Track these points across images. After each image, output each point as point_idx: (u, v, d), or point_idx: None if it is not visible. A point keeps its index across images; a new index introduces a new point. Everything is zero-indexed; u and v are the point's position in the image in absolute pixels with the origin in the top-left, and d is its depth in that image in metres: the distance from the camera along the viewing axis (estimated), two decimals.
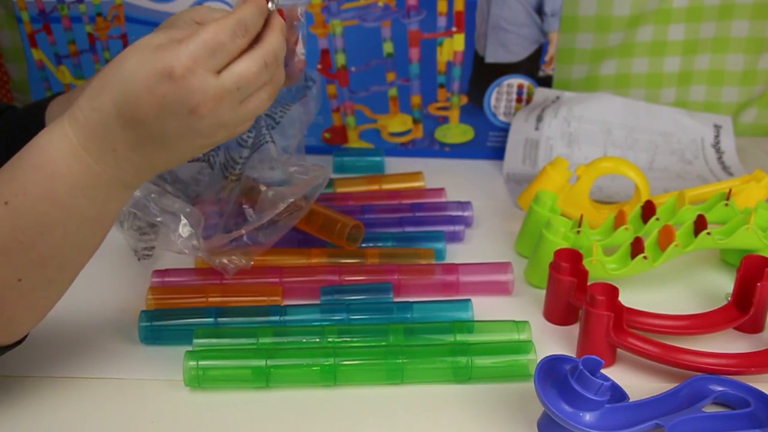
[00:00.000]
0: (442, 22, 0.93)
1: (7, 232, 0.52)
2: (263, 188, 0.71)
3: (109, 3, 0.92)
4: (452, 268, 0.74)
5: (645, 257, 0.71)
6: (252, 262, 0.70)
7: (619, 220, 0.77)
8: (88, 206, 0.54)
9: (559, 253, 0.70)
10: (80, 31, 0.94)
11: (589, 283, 0.66)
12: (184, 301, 0.70)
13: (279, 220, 0.68)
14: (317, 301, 0.71)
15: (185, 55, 0.50)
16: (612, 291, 0.65)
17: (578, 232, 0.75)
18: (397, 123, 0.99)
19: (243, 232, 0.67)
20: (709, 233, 0.73)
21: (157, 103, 0.51)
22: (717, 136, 0.99)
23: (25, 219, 0.52)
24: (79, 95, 0.54)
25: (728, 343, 0.67)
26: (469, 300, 0.70)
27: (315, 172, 0.69)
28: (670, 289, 0.75)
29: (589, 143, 0.96)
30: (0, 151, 0.72)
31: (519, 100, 0.98)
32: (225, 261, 0.68)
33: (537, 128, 0.96)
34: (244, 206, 0.70)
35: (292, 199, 0.67)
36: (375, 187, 0.91)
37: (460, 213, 0.85)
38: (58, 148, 0.52)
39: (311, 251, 0.77)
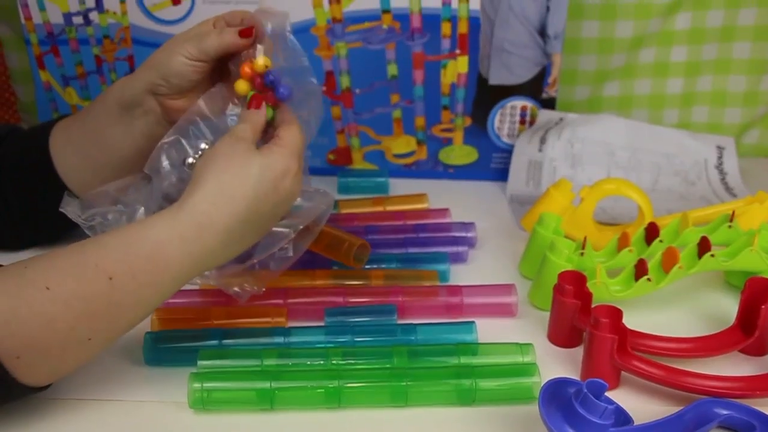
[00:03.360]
0: (446, 44, 0.93)
1: (102, 302, 0.56)
2: None
3: (116, 26, 0.93)
4: (456, 290, 0.74)
5: (649, 279, 0.71)
6: (264, 288, 0.70)
7: (623, 242, 0.77)
8: (180, 286, 0.60)
9: (563, 275, 0.70)
10: (87, 53, 0.95)
11: (593, 306, 0.66)
12: (188, 322, 0.70)
13: (289, 246, 0.69)
14: (322, 323, 0.71)
15: (294, 155, 0.62)
16: (616, 313, 0.64)
17: (582, 254, 0.75)
18: (401, 144, 0.99)
19: (255, 261, 0.67)
20: (712, 255, 0.72)
21: (280, 198, 0.61)
22: (720, 158, 0.99)
23: (124, 297, 0.56)
24: (186, 195, 0.59)
25: (733, 366, 0.67)
26: (473, 322, 0.70)
27: (319, 199, 0.70)
28: (675, 311, 0.75)
29: (593, 164, 0.96)
30: (4, 173, 0.75)
31: (522, 121, 0.98)
32: (237, 289, 0.69)
33: (540, 150, 0.96)
34: None
35: (301, 227, 0.68)
36: (379, 208, 0.91)
37: (463, 234, 0.85)
38: (177, 249, 0.58)
39: (315, 273, 0.77)
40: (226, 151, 0.60)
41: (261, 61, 0.65)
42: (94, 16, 0.93)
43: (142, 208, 0.66)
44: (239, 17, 0.68)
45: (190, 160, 0.67)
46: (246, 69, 0.66)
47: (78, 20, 0.93)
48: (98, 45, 0.94)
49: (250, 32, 0.66)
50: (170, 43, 0.68)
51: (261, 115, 0.65)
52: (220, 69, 0.70)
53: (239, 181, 0.59)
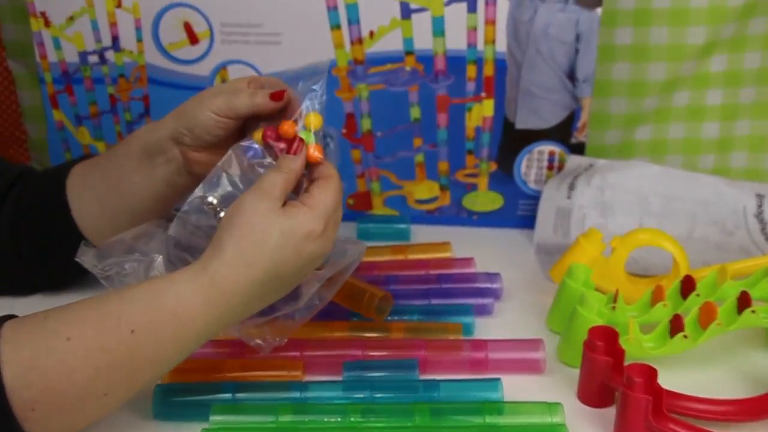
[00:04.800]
0: (471, 87, 0.94)
1: (123, 355, 0.57)
2: None
3: (132, 65, 0.94)
4: (481, 344, 0.74)
5: (685, 336, 0.70)
6: (286, 340, 0.71)
7: (657, 296, 0.76)
8: (201, 343, 0.61)
9: (594, 331, 0.69)
10: (102, 92, 0.96)
11: (625, 363, 0.65)
12: (200, 374, 0.70)
13: (314, 297, 0.70)
14: (340, 377, 0.71)
15: (321, 217, 0.62)
16: (650, 372, 0.64)
17: (613, 308, 0.74)
18: (423, 190, 1.00)
19: (279, 314, 0.69)
20: (753, 311, 0.72)
21: (303, 260, 0.62)
22: (760, 206, 0.98)
23: (145, 352, 0.58)
24: (208, 255, 0.61)
25: None
26: (499, 379, 0.69)
27: (349, 249, 0.71)
28: (713, 370, 0.74)
29: (624, 213, 0.95)
30: (18, 216, 0.76)
31: (550, 167, 0.99)
32: (259, 341, 0.69)
33: (569, 197, 0.96)
34: None
35: (327, 277, 0.69)
36: (400, 256, 0.91)
37: (489, 285, 0.85)
38: (199, 308, 0.59)
39: (333, 324, 0.77)
40: (247, 211, 0.61)
41: (312, 119, 0.66)
42: (110, 55, 0.93)
43: (160, 257, 0.67)
44: (275, 85, 0.69)
45: (210, 199, 0.67)
46: (286, 128, 0.66)
47: (93, 59, 0.94)
48: (113, 84, 0.95)
49: (281, 96, 0.67)
50: (201, 95, 0.70)
51: (298, 162, 0.65)
52: (245, 128, 0.71)
53: (259, 249, 0.61)
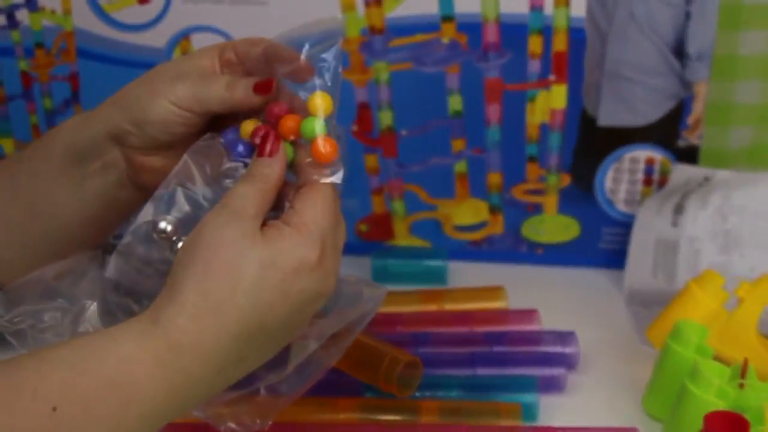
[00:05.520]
0: (534, 67, 0.94)
1: None
2: None
3: (55, 30, 0.94)
4: None
5: None
6: (269, 422, 0.69)
7: None
8: (154, 429, 0.60)
9: (713, 419, 0.68)
10: (11, 68, 0.95)
11: None
12: None
13: (311, 361, 0.69)
14: None
15: (314, 240, 0.62)
16: None
17: (741, 384, 0.73)
18: (466, 212, 1.00)
19: (260, 387, 0.68)
20: None
21: (294, 304, 0.61)
22: None
23: None
24: (160, 300, 0.60)
25: None
26: None
27: (361, 294, 0.71)
28: None
29: (757, 248, 0.95)
30: None
31: (647, 181, 0.98)
32: (232, 424, 0.68)
33: (675, 224, 0.96)
34: None
35: (330, 333, 0.69)
36: (433, 306, 0.91)
37: (559, 349, 0.85)
38: (148, 374, 0.58)
39: (339, 402, 0.78)
40: (212, 237, 0.60)
41: (320, 100, 0.65)
42: (22, 15, 0.93)
43: (94, 305, 0.66)
44: (258, 46, 0.68)
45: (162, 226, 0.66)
46: (289, 123, 0.65)
47: None
48: (27, 57, 0.95)
49: (268, 88, 0.67)
50: (152, 77, 0.69)
51: (276, 168, 0.64)
52: (216, 121, 0.71)
53: (229, 290, 0.60)
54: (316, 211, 0.62)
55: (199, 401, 0.62)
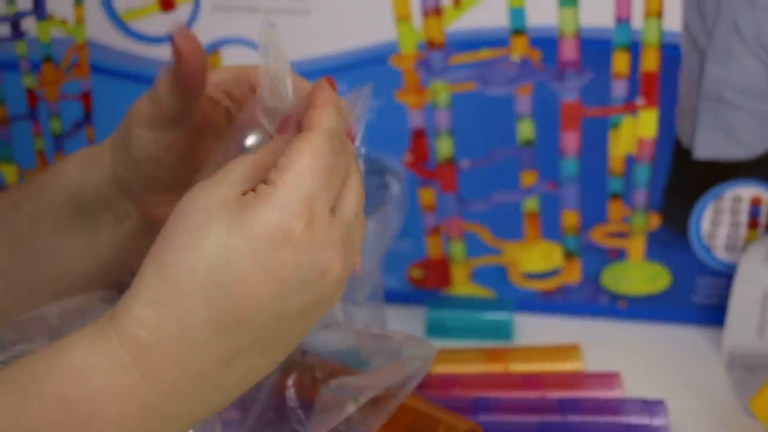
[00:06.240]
0: (619, 89, 0.91)
1: None
2: (319, 374, 0.74)
3: (66, 42, 0.92)
4: None
5: None
6: None
7: None
8: None
9: None
10: (14, 85, 0.94)
11: None
12: None
13: (348, 428, 0.70)
14: None
15: (300, 201, 0.54)
16: None
17: None
18: (536, 257, 0.97)
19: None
20: None
21: (277, 281, 0.54)
22: None
23: None
24: (126, 297, 0.56)
25: None
26: None
27: (409, 351, 0.71)
28: None
29: None
30: None
31: (753, 224, 0.95)
32: None
33: None
34: (288, 392, 0.73)
35: (369, 397, 0.69)
36: (498, 367, 0.90)
37: (645, 420, 0.83)
38: (105, 383, 0.54)
39: None
40: (182, 205, 0.56)
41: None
42: (29, 24, 0.91)
43: None
44: (230, 76, 0.68)
45: None
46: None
47: (2, 30, 0.92)
48: (33, 73, 0.93)
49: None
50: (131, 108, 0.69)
51: (281, 142, 0.59)
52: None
53: (188, 261, 0.54)
54: (301, 164, 0.56)
55: (193, 421, 0.57)
